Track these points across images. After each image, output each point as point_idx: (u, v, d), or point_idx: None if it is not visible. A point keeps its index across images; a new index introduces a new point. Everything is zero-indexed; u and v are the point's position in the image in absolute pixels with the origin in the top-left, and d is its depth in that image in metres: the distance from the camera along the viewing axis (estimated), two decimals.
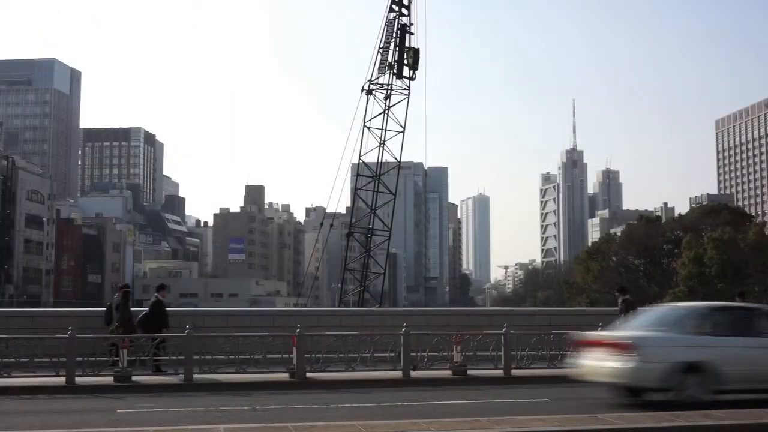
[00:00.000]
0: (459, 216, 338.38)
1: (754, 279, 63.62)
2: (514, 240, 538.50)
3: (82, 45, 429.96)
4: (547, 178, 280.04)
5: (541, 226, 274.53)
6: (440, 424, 10.66)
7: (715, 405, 12.19)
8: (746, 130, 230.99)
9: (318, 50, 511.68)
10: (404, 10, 42.09)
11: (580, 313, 30.23)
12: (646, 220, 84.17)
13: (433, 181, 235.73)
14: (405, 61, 42.13)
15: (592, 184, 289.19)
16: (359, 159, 43.08)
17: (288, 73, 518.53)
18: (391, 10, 41.97)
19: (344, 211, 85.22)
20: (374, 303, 62.36)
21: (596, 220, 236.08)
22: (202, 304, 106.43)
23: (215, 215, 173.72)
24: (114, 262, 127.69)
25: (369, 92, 42.23)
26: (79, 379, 15.80)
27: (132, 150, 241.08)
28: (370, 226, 44.92)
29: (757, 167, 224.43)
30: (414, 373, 17.46)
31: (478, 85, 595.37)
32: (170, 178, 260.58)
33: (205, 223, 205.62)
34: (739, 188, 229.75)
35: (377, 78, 42.24)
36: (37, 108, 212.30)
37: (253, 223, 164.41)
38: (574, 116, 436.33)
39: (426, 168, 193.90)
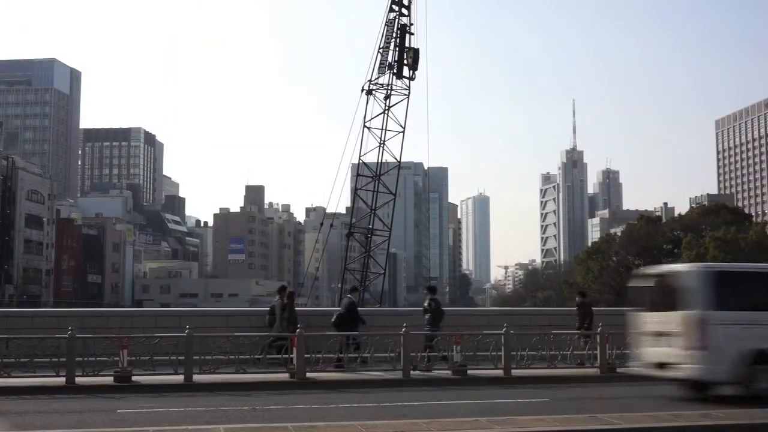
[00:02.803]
0: (459, 216, 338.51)
1: None
2: (514, 240, 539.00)
3: (82, 45, 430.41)
4: (547, 178, 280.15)
5: (541, 226, 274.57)
6: (440, 424, 10.67)
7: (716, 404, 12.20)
8: (746, 130, 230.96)
9: (318, 50, 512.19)
10: (404, 10, 42.02)
11: None
12: (646, 220, 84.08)
13: (433, 181, 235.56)
14: (405, 61, 42.05)
15: (592, 184, 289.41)
16: (359, 159, 43.02)
17: (288, 73, 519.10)
18: (391, 10, 41.91)
19: (344, 211, 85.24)
20: (374, 303, 62.39)
21: (596, 220, 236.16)
22: (202, 304, 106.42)
23: (215, 215, 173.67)
24: (114, 262, 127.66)
25: (369, 92, 42.16)
26: (79, 379, 15.80)
27: (132, 150, 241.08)
28: (370, 226, 44.89)
29: (757, 167, 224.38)
30: (414, 373, 17.47)
31: (478, 85, 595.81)
32: (170, 178, 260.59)
33: (205, 223, 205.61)
34: (739, 188, 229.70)
35: (377, 78, 42.18)
36: (37, 108, 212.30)
37: (253, 223, 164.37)
38: (574, 116, 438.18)
39: (426, 168, 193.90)
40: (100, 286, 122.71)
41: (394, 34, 41.95)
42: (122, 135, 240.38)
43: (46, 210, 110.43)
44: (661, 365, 14.03)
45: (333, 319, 19.04)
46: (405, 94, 42.40)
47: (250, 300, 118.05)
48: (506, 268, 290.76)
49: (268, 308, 20.15)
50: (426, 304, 19.74)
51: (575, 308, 21.45)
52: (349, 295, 20.11)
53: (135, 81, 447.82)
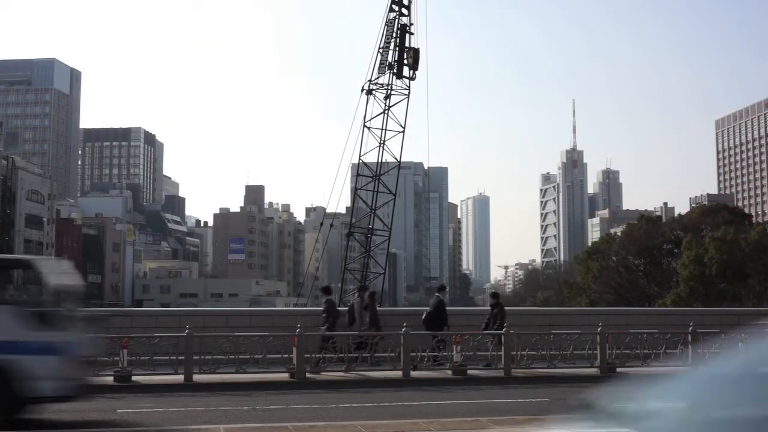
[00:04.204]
0: (459, 216, 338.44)
1: (755, 279, 63.60)
2: (514, 240, 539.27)
3: (82, 45, 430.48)
4: (547, 178, 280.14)
5: (541, 226, 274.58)
6: (440, 424, 10.67)
7: None
8: (746, 130, 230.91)
9: (318, 50, 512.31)
10: (404, 10, 41.99)
11: (580, 313, 30.26)
12: (646, 220, 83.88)
13: (433, 181, 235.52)
14: (405, 61, 42.01)
15: (592, 184, 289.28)
16: (359, 159, 42.98)
17: (288, 73, 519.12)
18: (391, 10, 41.88)
19: (344, 211, 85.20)
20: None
21: (596, 220, 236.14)
22: (202, 304, 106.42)
23: (215, 215, 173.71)
24: (114, 262, 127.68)
25: (369, 92, 42.12)
26: None
27: (132, 150, 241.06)
28: (370, 226, 44.86)
29: (757, 167, 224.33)
30: (414, 373, 17.46)
31: (479, 85, 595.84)
32: (170, 178, 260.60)
33: (205, 223, 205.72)
34: (739, 188, 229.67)
35: (377, 78, 42.13)
36: (37, 108, 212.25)
37: (253, 223, 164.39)
38: (574, 116, 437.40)
39: (426, 168, 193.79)
40: (100, 286, 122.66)
41: (394, 34, 41.91)
42: (122, 135, 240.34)
43: (46, 210, 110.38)
44: None
45: (423, 317, 19.45)
46: (405, 94, 42.37)
47: (250, 300, 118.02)
48: (506, 268, 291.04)
49: (347, 307, 20.69)
50: (324, 303, 19.62)
51: (490, 309, 20.66)
52: (437, 294, 20.42)
53: (135, 81, 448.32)
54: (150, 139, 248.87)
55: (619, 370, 18.43)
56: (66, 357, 11.19)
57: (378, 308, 21.01)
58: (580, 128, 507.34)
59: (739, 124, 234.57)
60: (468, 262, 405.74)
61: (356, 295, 20.66)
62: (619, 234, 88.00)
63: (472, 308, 72.48)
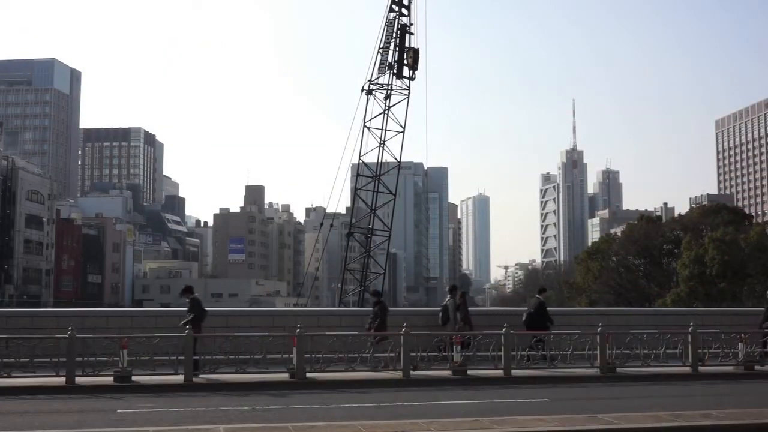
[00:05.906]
0: (459, 216, 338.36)
1: (755, 279, 63.55)
2: (514, 240, 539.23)
3: (82, 45, 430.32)
4: (547, 178, 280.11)
5: (541, 226, 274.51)
6: (440, 424, 10.67)
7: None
8: (746, 130, 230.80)
9: (318, 50, 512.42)
10: (404, 10, 42.04)
11: (580, 313, 30.24)
12: (646, 220, 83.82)
13: (433, 181, 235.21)
14: (405, 61, 42.06)
15: (592, 184, 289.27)
16: (359, 159, 43.02)
17: (288, 73, 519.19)
18: (391, 10, 41.92)
19: (344, 211, 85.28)
20: None
21: (596, 220, 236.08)
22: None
23: (215, 215, 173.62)
24: (114, 262, 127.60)
25: (369, 92, 42.16)
26: (79, 379, 15.79)
27: (132, 150, 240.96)
28: (370, 226, 44.88)
29: (757, 167, 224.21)
30: (414, 373, 17.46)
31: (479, 85, 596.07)
32: (170, 178, 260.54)
33: (205, 223, 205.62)
34: (739, 188, 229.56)
35: (377, 78, 42.18)
36: (37, 108, 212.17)
37: (253, 223, 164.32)
38: (574, 116, 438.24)
39: (426, 168, 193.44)
40: (100, 286, 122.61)
41: (394, 34, 41.96)
42: (122, 135, 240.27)
43: (46, 210, 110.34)
44: None
45: (524, 318, 20.00)
46: (405, 94, 42.42)
47: (250, 300, 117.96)
48: (506, 268, 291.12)
49: (440, 307, 21.07)
50: (188, 303, 18.76)
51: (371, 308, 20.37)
52: (537, 296, 21.17)
53: (135, 81, 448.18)
54: (150, 139, 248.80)
55: (618, 370, 18.42)
56: None
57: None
58: (580, 128, 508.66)
59: (739, 124, 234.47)
60: (468, 262, 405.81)
61: (448, 295, 21.05)
62: (619, 234, 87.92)
63: (472, 308, 72.42)
